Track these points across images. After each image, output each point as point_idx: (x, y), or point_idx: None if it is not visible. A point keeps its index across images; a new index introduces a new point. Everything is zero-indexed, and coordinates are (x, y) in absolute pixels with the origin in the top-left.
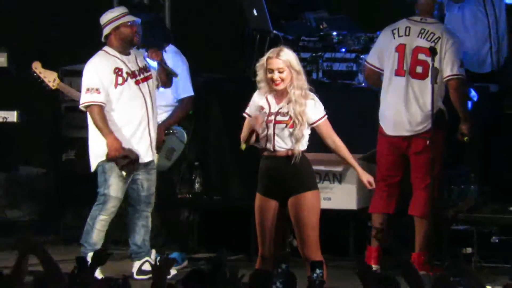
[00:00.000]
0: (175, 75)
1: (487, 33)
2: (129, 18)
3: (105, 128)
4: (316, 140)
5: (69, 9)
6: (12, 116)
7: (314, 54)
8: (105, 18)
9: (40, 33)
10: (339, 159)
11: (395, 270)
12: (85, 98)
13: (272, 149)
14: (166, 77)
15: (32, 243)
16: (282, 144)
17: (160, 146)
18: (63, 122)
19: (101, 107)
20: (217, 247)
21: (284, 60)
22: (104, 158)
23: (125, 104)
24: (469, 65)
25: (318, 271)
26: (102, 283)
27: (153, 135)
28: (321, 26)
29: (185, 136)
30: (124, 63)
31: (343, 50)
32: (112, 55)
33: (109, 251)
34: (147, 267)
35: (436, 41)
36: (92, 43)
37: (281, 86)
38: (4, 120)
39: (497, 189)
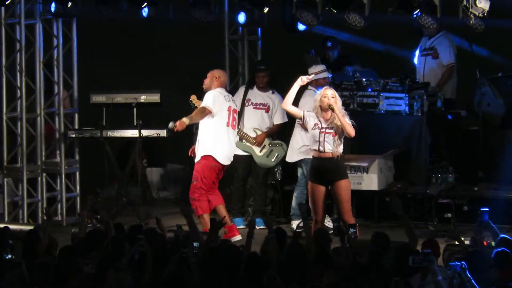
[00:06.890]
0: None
1: None
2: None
3: None
4: (353, 143)
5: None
6: (163, 132)
7: (351, 92)
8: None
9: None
10: (367, 157)
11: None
12: None
13: (322, 151)
14: None
15: (184, 211)
16: (328, 147)
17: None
18: (194, 137)
19: None
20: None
21: (333, 92)
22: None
23: None
24: None
25: (352, 230)
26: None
27: None
28: (355, 75)
29: (285, 149)
30: None
31: (369, 89)
32: None
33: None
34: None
35: None
36: None
37: (332, 106)
38: (158, 135)
39: (465, 177)
